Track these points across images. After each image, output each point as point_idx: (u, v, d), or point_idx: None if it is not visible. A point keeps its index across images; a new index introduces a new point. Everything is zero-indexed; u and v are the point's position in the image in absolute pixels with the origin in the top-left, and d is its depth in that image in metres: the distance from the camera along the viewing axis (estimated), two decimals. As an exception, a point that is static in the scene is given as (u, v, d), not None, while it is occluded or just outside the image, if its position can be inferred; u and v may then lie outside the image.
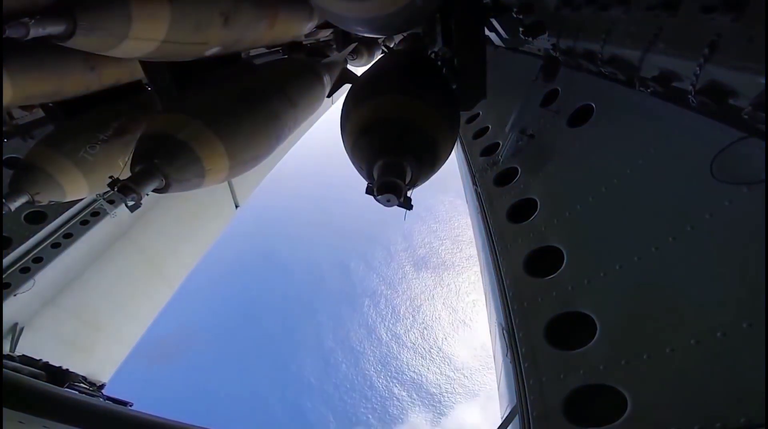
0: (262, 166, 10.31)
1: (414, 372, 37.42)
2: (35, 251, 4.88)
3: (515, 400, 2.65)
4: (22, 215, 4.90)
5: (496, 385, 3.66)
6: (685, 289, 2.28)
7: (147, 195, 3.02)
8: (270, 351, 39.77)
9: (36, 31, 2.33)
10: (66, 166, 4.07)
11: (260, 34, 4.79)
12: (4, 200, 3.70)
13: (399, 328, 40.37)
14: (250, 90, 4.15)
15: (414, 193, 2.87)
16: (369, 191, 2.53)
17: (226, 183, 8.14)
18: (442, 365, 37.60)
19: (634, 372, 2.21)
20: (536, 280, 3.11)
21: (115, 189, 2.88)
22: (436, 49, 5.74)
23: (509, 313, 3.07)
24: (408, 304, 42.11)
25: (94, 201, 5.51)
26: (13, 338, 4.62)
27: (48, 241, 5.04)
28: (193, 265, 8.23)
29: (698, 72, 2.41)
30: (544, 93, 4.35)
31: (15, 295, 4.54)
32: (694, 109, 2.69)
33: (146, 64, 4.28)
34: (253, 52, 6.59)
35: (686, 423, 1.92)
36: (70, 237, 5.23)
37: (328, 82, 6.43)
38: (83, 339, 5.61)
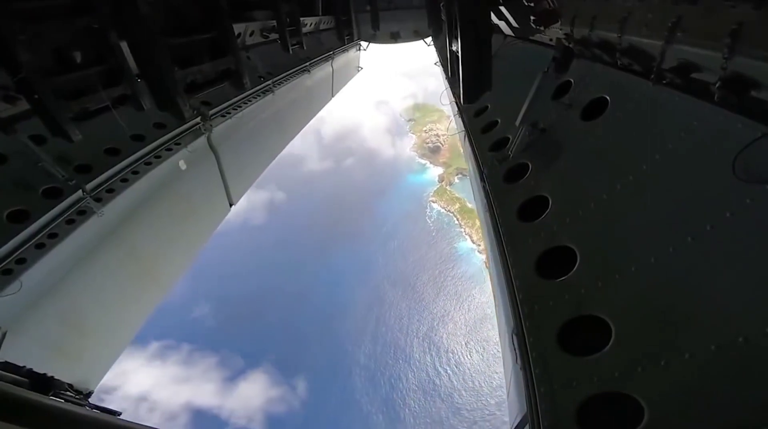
0: (256, 163, 10.33)
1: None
2: (18, 252, 4.89)
3: (525, 409, 2.66)
4: (4, 214, 4.92)
5: (506, 393, 3.67)
6: (705, 291, 2.28)
7: None
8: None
9: None
10: None
11: None
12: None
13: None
14: None
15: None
16: None
17: (220, 180, 8.16)
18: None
19: (652, 379, 2.22)
20: (548, 282, 3.12)
21: None
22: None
23: (519, 317, 3.08)
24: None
25: (81, 199, 5.53)
26: (-5, 343, 4.65)
27: (32, 242, 5.05)
28: (186, 265, 8.20)
29: (725, 64, 2.42)
30: (557, 85, 4.36)
31: None
32: (713, 102, 2.70)
33: None
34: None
35: (706, 433, 1.93)
36: (55, 237, 5.23)
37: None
38: (70, 344, 5.62)
